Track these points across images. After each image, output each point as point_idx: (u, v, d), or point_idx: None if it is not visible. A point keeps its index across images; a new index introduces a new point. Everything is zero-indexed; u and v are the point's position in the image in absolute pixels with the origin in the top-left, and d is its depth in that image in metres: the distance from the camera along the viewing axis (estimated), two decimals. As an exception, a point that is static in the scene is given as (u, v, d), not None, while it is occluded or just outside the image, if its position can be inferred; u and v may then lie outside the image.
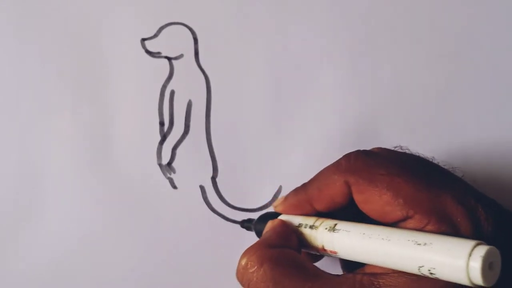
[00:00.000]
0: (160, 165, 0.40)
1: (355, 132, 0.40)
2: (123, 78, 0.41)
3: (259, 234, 0.34)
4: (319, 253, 0.30)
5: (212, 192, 0.40)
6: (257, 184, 0.40)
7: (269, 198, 0.40)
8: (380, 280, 0.25)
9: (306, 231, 0.30)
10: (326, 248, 0.29)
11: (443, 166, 0.30)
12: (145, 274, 0.39)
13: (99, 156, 0.40)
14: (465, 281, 0.22)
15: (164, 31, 0.41)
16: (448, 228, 0.25)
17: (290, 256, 0.28)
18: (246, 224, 0.36)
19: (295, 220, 0.31)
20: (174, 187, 0.40)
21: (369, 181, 0.27)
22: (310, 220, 0.30)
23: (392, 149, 0.31)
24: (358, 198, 0.28)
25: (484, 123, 0.40)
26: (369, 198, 0.27)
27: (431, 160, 0.31)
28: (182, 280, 0.39)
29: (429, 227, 0.25)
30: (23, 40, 0.41)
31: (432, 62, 0.40)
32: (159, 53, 0.41)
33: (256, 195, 0.40)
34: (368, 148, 0.36)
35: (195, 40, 0.41)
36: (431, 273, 0.23)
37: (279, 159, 0.40)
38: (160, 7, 0.41)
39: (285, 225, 0.31)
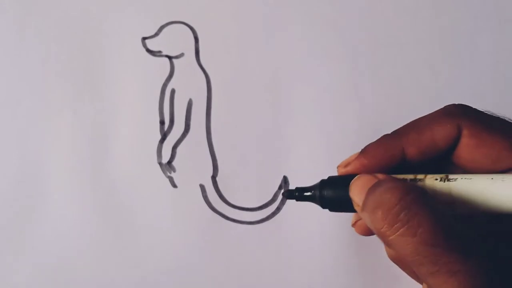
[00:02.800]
0: (160, 164, 0.40)
1: (355, 132, 0.40)
2: (123, 77, 0.41)
3: (328, 201, 0.28)
4: None
5: (212, 191, 0.40)
6: (257, 183, 0.40)
7: (269, 197, 0.40)
8: None
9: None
10: (438, 198, 0.25)
11: None
12: (145, 274, 0.39)
13: (99, 155, 0.40)
14: None
15: (164, 30, 0.41)
16: None
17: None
18: (301, 194, 0.29)
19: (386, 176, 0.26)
20: (174, 186, 0.40)
21: (486, 125, 0.26)
22: (408, 176, 0.26)
23: None
24: (470, 142, 0.26)
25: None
26: (484, 142, 0.26)
27: None
28: (182, 279, 0.39)
29: None
30: (23, 39, 0.41)
31: (432, 62, 0.40)
32: (159, 52, 0.41)
33: (256, 194, 0.40)
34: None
35: (196, 39, 0.41)
36: None
37: (279, 158, 0.40)
38: (160, 6, 0.41)
39: (396, 179, 0.26)
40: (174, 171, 0.40)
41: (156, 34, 0.41)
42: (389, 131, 0.39)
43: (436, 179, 0.25)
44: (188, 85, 0.41)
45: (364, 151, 0.28)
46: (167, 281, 0.39)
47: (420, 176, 0.26)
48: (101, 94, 0.41)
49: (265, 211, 0.39)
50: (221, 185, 0.40)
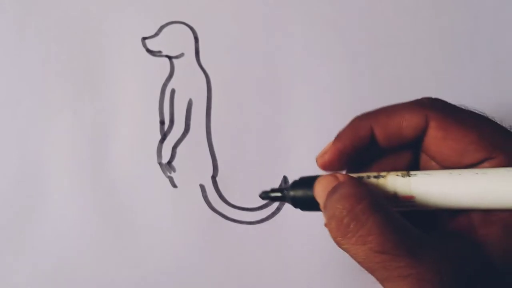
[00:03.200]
0: (160, 164, 0.40)
1: (355, 132, 0.40)
2: (123, 77, 0.41)
3: (299, 200, 0.28)
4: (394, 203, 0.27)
5: (212, 191, 0.40)
6: (257, 183, 0.40)
7: (269, 197, 0.40)
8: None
9: (372, 181, 0.26)
10: (399, 194, 0.26)
11: None
12: (145, 274, 0.39)
13: (99, 155, 0.40)
14: None
15: (164, 30, 0.41)
16: None
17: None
18: (273, 195, 0.30)
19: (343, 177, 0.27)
20: (174, 186, 0.40)
21: (454, 118, 0.26)
22: (371, 172, 0.27)
23: None
24: (437, 134, 0.26)
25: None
26: (451, 135, 0.25)
27: None
28: (182, 279, 0.39)
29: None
30: (23, 39, 0.41)
31: (432, 62, 0.40)
32: (159, 52, 0.41)
33: (256, 194, 0.39)
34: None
35: (196, 39, 0.41)
36: None
37: (279, 158, 0.40)
38: (161, 6, 0.41)
39: (357, 180, 0.26)
40: (174, 171, 0.40)
41: (156, 34, 0.41)
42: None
43: (398, 175, 0.26)
44: (188, 85, 0.41)
45: (337, 137, 0.28)
46: (167, 281, 0.39)
47: (383, 173, 0.26)
48: (101, 94, 0.41)
49: (265, 211, 0.39)
50: (221, 185, 0.40)
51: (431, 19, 0.41)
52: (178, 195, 0.40)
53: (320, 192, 0.27)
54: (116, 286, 0.39)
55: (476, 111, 0.27)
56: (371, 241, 0.23)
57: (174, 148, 0.40)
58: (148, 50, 0.41)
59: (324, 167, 0.28)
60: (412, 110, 0.26)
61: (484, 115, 0.27)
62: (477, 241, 0.24)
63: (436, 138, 0.26)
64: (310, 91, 0.41)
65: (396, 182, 0.26)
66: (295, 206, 0.29)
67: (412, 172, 0.26)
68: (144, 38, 0.41)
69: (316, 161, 0.29)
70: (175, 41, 0.41)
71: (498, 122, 0.26)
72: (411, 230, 0.24)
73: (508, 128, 0.28)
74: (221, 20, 0.41)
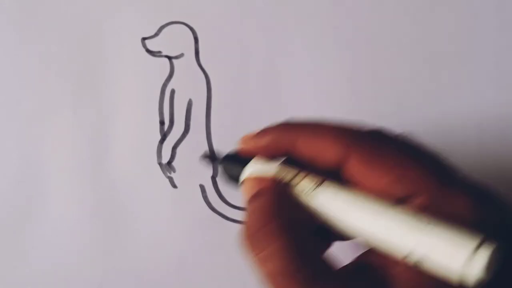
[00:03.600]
0: (160, 164, 0.40)
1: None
2: (123, 77, 0.41)
3: (227, 177, 0.29)
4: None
5: (212, 191, 0.40)
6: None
7: (269, 197, 0.40)
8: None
9: (292, 182, 0.26)
10: (305, 208, 0.25)
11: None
12: (145, 274, 0.39)
13: (99, 155, 0.40)
14: (459, 274, 0.20)
15: (164, 30, 0.41)
16: (452, 216, 0.23)
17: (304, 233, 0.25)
18: (210, 158, 0.32)
19: (271, 167, 0.26)
20: (174, 186, 0.40)
21: (376, 156, 0.24)
22: (288, 173, 0.26)
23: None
24: (355, 170, 0.25)
25: (484, 123, 0.40)
26: (370, 173, 0.24)
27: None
28: (182, 279, 0.39)
29: (431, 211, 0.23)
30: (23, 39, 0.41)
31: (432, 62, 0.40)
32: (159, 52, 0.41)
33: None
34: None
35: (196, 39, 0.41)
36: (417, 263, 0.21)
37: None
38: (160, 6, 0.41)
39: (279, 186, 0.26)
40: (174, 171, 0.40)
41: (156, 34, 0.41)
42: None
43: (310, 183, 0.25)
44: (188, 85, 0.41)
45: (260, 135, 0.27)
46: (167, 281, 0.39)
47: (301, 174, 0.25)
48: (101, 94, 0.41)
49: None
50: (221, 185, 0.40)
51: (431, 19, 0.41)
52: (178, 195, 0.40)
53: (245, 189, 0.27)
54: (116, 286, 0.39)
55: (409, 142, 0.26)
56: (272, 263, 0.23)
57: (174, 148, 0.40)
58: (148, 50, 0.41)
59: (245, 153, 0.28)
60: (335, 140, 0.25)
61: (421, 148, 0.26)
62: (387, 279, 0.23)
63: (357, 173, 0.25)
64: (310, 91, 0.41)
65: (306, 190, 0.25)
66: (226, 180, 0.29)
67: (322, 187, 0.25)
68: (144, 38, 0.41)
69: (239, 143, 0.29)
70: (175, 41, 0.41)
71: (438, 158, 0.25)
72: (315, 260, 0.24)
73: (448, 163, 0.27)
74: (221, 20, 0.41)
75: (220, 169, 0.29)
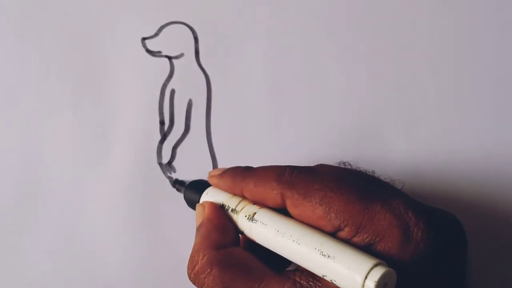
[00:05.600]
0: (160, 164, 0.40)
1: (355, 132, 0.40)
2: (123, 77, 0.41)
3: (188, 201, 0.35)
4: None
5: (212, 192, 0.40)
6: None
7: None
8: (316, 281, 0.26)
9: (229, 214, 0.31)
10: (246, 234, 0.30)
11: (383, 179, 0.31)
12: (145, 274, 0.39)
13: (99, 155, 0.40)
14: None
15: (164, 30, 0.41)
16: (374, 237, 0.26)
17: (236, 256, 0.29)
18: (177, 186, 0.39)
19: (221, 197, 0.32)
20: (175, 186, 0.40)
21: (304, 196, 0.28)
22: (233, 202, 0.31)
23: (334, 165, 0.32)
24: (292, 211, 0.28)
25: (484, 123, 0.40)
26: (303, 212, 0.28)
27: (370, 173, 0.32)
28: (182, 279, 0.39)
29: (356, 239, 0.26)
30: (23, 39, 0.41)
31: (432, 62, 0.40)
32: (159, 52, 0.41)
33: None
34: (367, 147, 0.36)
35: (196, 39, 0.41)
36: (333, 282, 0.25)
37: (279, 159, 0.40)
38: (160, 6, 0.41)
39: (221, 214, 0.32)
40: (174, 171, 0.40)
41: (156, 34, 0.41)
42: (389, 131, 0.40)
43: (245, 216, 0.30)
44: (188, 86, 0.41)
45: (222, 176, 0.33)
46: (167, 281, 0.39)
47: (239, 207, 0.31)
48: (101, 94, 0.41)
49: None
50: (221, 185, 0.40)
51: (431, 19, 0.41)
52: (178, 196, 0.40)
53: (196, 216, 0.33)
54: (116, 285, 0.39)
55: (350, 168, 0.32)
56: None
57: (174, 148, 0.40)
58: (148, 51, 0.41)
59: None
60: (273, 187, 0.29)
61: (347, 175, 0.29)
62: None
63: (293, 215, 0.29)
64: (310, 90, 0.41)
65: (243, 223, 0.30)
66: (187, 203, 0.35)
67: (256, 217, 0.29)
68: (144, 38, 0.41)
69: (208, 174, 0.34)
70: (175, 41, 0.41)
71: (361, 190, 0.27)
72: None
73: (390, 182, 0.31)
74: (222, 19, 0.41)
75: (184, 194, 0.35)
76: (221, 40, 0.41)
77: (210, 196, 0.33)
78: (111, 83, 0.41)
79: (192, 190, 0.35)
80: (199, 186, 0.34)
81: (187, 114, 0.41)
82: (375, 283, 0.23)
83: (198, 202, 0.34)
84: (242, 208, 0.30)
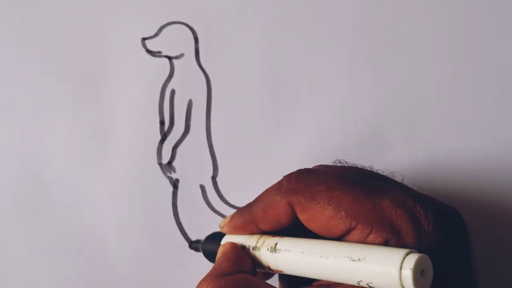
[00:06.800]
0: (160, 164, 0.40)
1: (355, 132, 0.40)
2: (123, 77, 0.41)
3: (207, 255, 0.34)
4: (271, 272, 0.31)
5: (212, 192, 0.40)
6: (257, 184, 0.40)
7: (269, 197, 0.40)
8: None
9: (251, 253, 0.31)
10: (271, 268, 0.29)
11: (382, 173, 0.31)
12: (145, 274, 0.39)
13: (99, 155, 0.40)
14: None
15: (164, 30, 0.41)
16: (390, 233, 0.25)
17: (243, 281, 0.28)
18: (194, 245, 0.39)
19: (239, 240, 0.32)
20: (174, 186, 0.40)
21: (310, 199, 0.27)
22: (252, 241, 0.31)
23: (331, 164, 0.32)
24: (302, 217, 0.28)
25: (484, 123, 0.40)
26: (312, 215, 0.27)
27: (369, 169, 0.32)
28: (182, 279, 0.39)
29: (371, 237, 0.26)
30: (23, 39, 0.41)
31: (432, 62, 0.40)
32: (159, 52, 0.41)
33: (256, 194, 0.39)
34: (367, 147, 0.36)
35: (196, 40, 0.41)
36: (370, 286, 0.24)
37: (279, 159, 0.40)
38: (161, 6, 0.41)
39: (236, 248, 0.31)
40: (174, 171, 0.40)
41: (156, 35, 0.41)
42: (389, 131, 0.40)
43: (267, 249, 0.29)
44: (188, 86, 0.41)
45: (231, 220, 0.32)
46: (167, 281, 0.39)
47: (259, 243, 0.30)
48: (101, 94, 0.41)
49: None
50: (221, 185, 0.40)
51: (431, 19, 0.41)
52: (178, 196, 0.40)
53: (219, 251, 0.32)
54: (116, 285, 0.39)
55: (348, 165, 0.31)
56: None
57: (174, 148, 0.40)
58: (148, 51, 0.41)
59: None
60: (278, 201, 0.29)
61: (362, 167, 0.30)
62: None
63: (304, 220, 0.28)
64: (310, 91, 0.41)
65: (267, 257, 0.29)
66: (207, 258, 0.35)
67: (278, 247, 0.29)
68: (144, 39, 0.41)
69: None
70: (175, 41, 0.41)
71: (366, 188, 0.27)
72: None
73: (389, 175, 0.30)
74: (222, 20, 0.41)
75: (203, 251, 0.35)
76: (221, 40, 0.41)
77: (229, 239, 0.33)
78: (111, 83, 0.41)
79: (209, 243, 0.34)
80: (215, 238, 0.34)
81: (187, 114, 0.41)
82: (412, 270, 0.23)
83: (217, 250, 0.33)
84: (263, 243, 0.30)
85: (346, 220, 0.26)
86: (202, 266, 0.39)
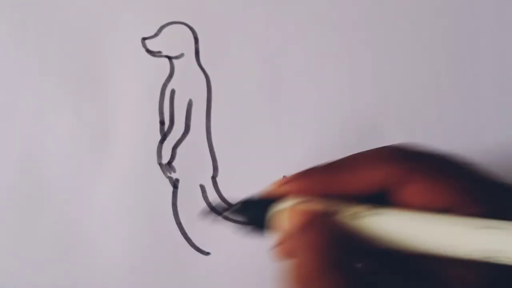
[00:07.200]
0: (160, 164, 0.40)
1: (355, 131, 0.40)
2: (123, 77, 0.41)
3: (252, 220, 0.28)
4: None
5: (212, 192, 0.40)
6: (257, 184, 0.40)
7: (269, 197, 0.40)
8: None
9: (345, 221, 0.25)
10: (372, 235, 0.25)
11: None
12: (145, 274, 0.39)
13: (99, 155, 0.40)
14: None
15: (164, 30, 0.41)
16: (487, 207, 0.24)
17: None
18: (234, 209, 0.30)
19: (310, 204, 0.26)
20: (174, 186, 0.40)
21: (425, 169, 0.25)
22: (333, 205, 0.25)
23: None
24: (410, 188, 0.25)
25: (484, 123, 0.40)
26: (421, 191, 0.25)
27: None
28: (182, 279, 0.39)
29: (477, 209, 0.24)
30: (23, 39, 0.41)
31: (432, 61, 0.40)
32: (159, 52, 0.41)
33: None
34: (368, 147, 0.36)
35: (196, 39, 0.41)
36: (497, 260, 0.22)
37: (280, 159, 0.40)
38: (161, 6, 0.41)
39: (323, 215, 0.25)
40: (174, 171, 0.40)
41: (156, 35, 0.41)
42: (389, 131, 0.40)
43: (349, 216, 0.25)
44: (188, 86, 0.41)
45: (301, 178, 0.27)
46: (167, 282, 0.39)
47: (345, 204, 0.25)
48: (101, 94, 0.41)
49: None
50: (221, 185, 0.40)
51: (432, 19, 0.41)
52: (178, 196, 0.40)
53: (287, 220, 0.26)
54: (117, 285, 0.39)
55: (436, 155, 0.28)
56: None
57: (174, 148, 0.40)
58: (148, 51, 0.41)
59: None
60: (382, 166, 0.26)
61: (448, 158, 0.27)
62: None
63: (406, 193, 0.25)
64: (310, 91, 0.41)
65: (348, 222, 0.25)
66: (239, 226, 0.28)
67: (363, 214, 0.25)
68: (144, 38, 0.41)
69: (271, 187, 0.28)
70: (175, 41, 0.41)
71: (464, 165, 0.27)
72: None
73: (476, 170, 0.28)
74: (221, 20, 0.41)
75: (238, 216, 0.29)
76: (221, 40, 0.41)
77: (293, 203, 0.26)
78: (111, 83, 0.41)
79: (252, 209, 0.28)
80: (261, 205, 0.28)
81: (187, 114, 0.41)
82: None
83: (265, 218, 0.27)
84: (347, 209, 0.25)
85: (455, 198, 0.25)
86: (202, 266, 0.39)
